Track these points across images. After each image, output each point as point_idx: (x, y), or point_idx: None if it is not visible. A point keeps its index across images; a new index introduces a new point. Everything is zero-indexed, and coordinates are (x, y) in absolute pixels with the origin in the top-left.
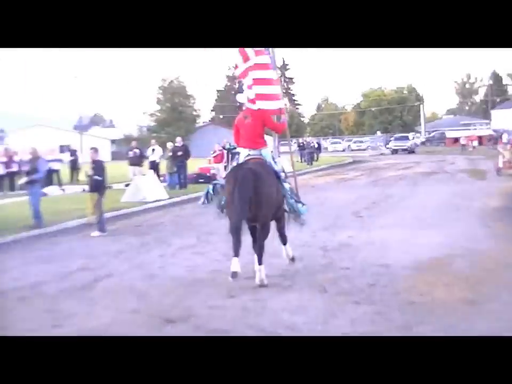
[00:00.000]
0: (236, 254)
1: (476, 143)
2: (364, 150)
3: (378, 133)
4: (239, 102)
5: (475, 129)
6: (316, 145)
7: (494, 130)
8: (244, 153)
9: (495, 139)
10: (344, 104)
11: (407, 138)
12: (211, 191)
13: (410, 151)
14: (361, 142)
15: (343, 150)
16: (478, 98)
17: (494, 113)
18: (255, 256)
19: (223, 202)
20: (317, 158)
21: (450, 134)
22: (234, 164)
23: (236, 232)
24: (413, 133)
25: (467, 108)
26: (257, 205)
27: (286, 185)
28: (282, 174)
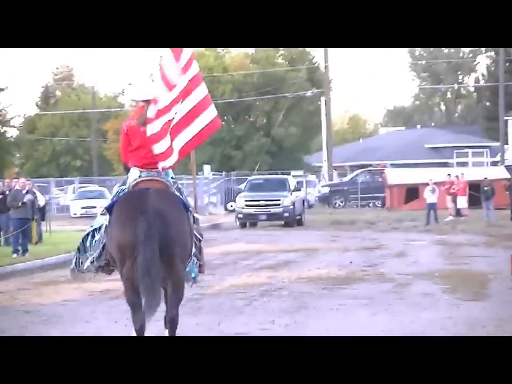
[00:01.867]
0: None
1: (463, 201)
2: None
3: (207, 169)
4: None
5: (464, 164)
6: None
7: (511, 169)
8: (134, 174)
9: None
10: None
11: (282, 185)
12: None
13: (290, 220)
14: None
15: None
16: (471, 81)
17: None
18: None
19: (96, 255)
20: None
21: (397, 176)
22: (118, 189)
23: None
24: (301, 172)
25: (441, 109)
26: (168, 257)
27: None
28: (192, 210)
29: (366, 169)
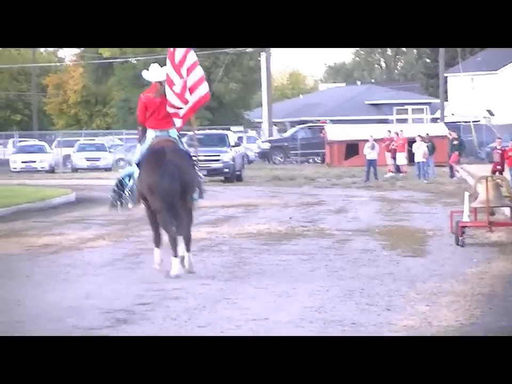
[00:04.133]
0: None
1: (403, 158)
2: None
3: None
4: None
5: (403, 121)
6: None
7: (451, 126)
8: (150, 134)
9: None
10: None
11: (222, 140)
12: (118, 188)
13: (230, 176)
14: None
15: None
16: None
17: (452, 81)
18: (181, 246)
19: (129, 193)
20: None
21: (337, 132)
22: (143, 146)
23: (165, 222)
24: (241, 128)
25: (381, 65)
26: (184, 193)
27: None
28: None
29: (306, 125)
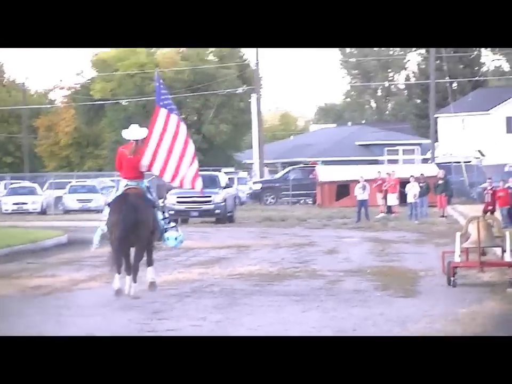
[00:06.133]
0: (119, 271)
1: (394, 199)
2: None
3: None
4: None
5: (394, 161)
6: None
7: (442, 166)
8: (123, 183)
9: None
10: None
11: (213, 182)
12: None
13: (221, 217)
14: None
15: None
16: (401, 79)
17: (443, 122)
18: (130, 277)
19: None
20: None
21: (328, 173)
22: (115, 193)
23: (116, 253)
24: (232, 169)
25: (372, 106)
26: (137, 229)
27: (159, 214)
28: (158, 203)
29: (297, 166)
